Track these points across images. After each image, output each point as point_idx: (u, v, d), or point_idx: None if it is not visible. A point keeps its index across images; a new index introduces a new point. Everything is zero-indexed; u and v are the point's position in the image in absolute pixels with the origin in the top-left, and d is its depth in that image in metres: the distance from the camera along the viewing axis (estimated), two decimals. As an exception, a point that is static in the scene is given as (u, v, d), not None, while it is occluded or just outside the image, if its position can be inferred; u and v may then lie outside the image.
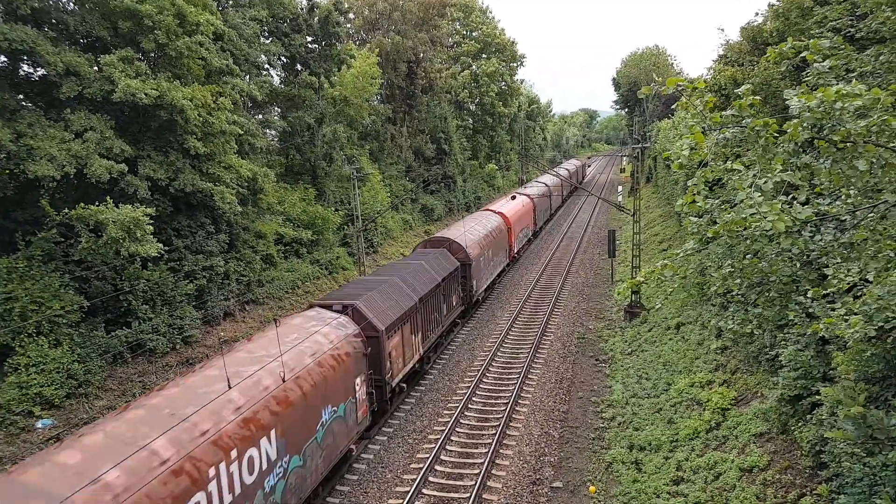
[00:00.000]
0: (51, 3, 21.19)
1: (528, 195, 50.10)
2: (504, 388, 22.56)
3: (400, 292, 21.18)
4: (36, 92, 21.88)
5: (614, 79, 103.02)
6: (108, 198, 19.64)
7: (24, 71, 21.59)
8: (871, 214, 8.08)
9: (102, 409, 19.33)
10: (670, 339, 23.39)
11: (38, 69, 21.18)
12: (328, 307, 18.09)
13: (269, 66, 36.43)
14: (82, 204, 19.22)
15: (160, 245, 20.71)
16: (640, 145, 37.94)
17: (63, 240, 20.41)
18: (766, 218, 6.79)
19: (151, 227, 20.04)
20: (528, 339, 27.87)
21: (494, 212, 40.25)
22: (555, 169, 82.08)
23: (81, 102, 20.85)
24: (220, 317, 27.06)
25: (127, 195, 21.31)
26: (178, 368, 22.70)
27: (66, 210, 19.24)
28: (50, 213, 19.57)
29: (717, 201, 8.43)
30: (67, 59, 19.83)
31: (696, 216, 8.95)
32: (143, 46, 21.94)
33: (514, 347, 26.90)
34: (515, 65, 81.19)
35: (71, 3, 22.37)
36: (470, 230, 32.38)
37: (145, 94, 20.54)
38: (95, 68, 21.02)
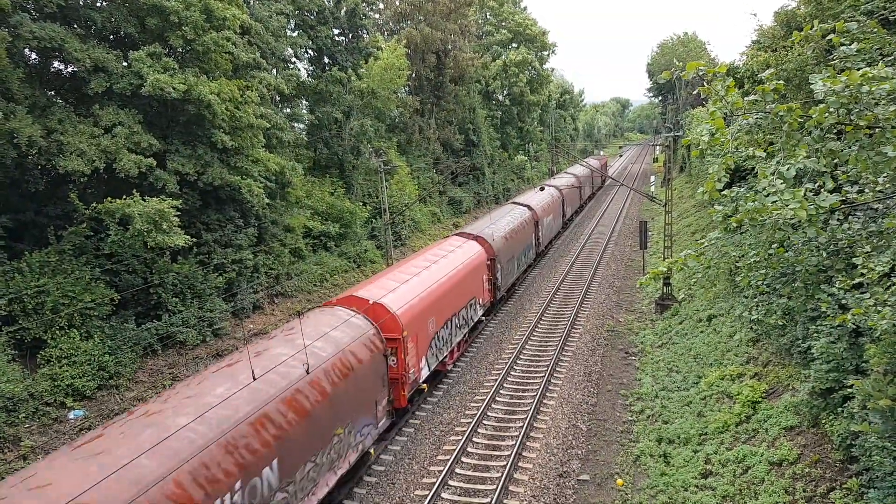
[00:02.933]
0: (79, 0, 21.64)
1: (480, 240, 28.54)
2: (532, 380, 22.48)
3: None
4: (66, 88, 22.46)
5: (648, 66, 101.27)
6: (134, 191, 20.04)
7: (54, 68, 22.13)
8: (903, 202, 7.77)
9: (133, 401, 19.83)
10: (702, 332, 22.96)
11: (67, 66, 21.71)
12: None
13: (295, 59, 36.76)
14: (109, 198, 19.66)
15: (187, 237, 21.05)
16: (671, 134, 37.15)
17: (93, 234, 20.92)
18: (787, 206, 6.56)
19: (177, 219, 20.38)
20: (558, 331, 27.70)
21: (360, 308, 17.55)
22: (555, 178, 58.50)
23: (110, 98, 21.30)
24: (249, 309, 27.51)
25: (156, 189, 21.75)
26: (207, 360, 23.18)
27: (95, 204, 19.70)
28: (79, 208, 20.08)
29: (742, 189, 8.20)
30: (96, 56, 20.23)
31: (720, 204, 8.74)
32: (170, 42, 22.29)
33: (543, 338, 26.78)
34: (546, 53, 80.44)
35: (99, 1, 22.82)
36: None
37: (173, 89, 20.86)
38: (124, 64, 21.44)
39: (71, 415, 18.23)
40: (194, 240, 23.39)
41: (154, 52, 21.52)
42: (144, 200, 19.89)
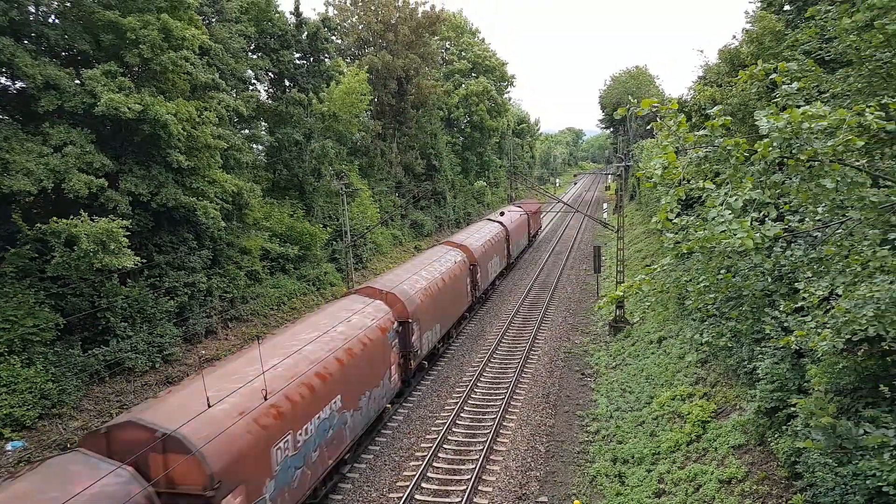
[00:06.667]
0: (30, 15, 21.08)
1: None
2: (492, 402, 22.61)
3: None
4: (13, 105, 21.70)
5: (600, 98, 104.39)
6: (81, 211, 19.41)
7: (0, 83, 21.41)
8: (839, 231, 8.33)
9: (77, 431, 18.93)
10: (653, 353, 23.59)
11: (16, 82, 21.03)
12: None
13: (256, 81, 36.58)
14: (55, 218, 18.99)
15: (137, 258, 20.44)
16: (623, 164, 38.40)
17: (38, 256, 20.11)
18: (735, 235, 6.98)
19: (126, 240, 19.80)
20: (517, 353, 28.00)
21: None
22: (441, 247, 33.70)
23: (61, 116, 20.70)
24: (201, 334, 26.79)
25: (107, 210, 21.14)
26: (157, 388, 22.43)
27: (40, 225, 18.98)
28: (23, 228, 19.31)
29: (691, 218, 8.65)
30: (47, 73, 19.68)
31: (671, 233, 9.17)
32: (126, 60, 21.90)
33: (503, 360, 27.01)
34: (505, 84, 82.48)
35: (52, 17, 22.30)
36: None
37: (128, 109, 20.43)
38: (77, 82, 20.93)
39: (9, 446, 17.30)
40: (145, 262, 22.78)
41: (109, 71, 21.11)
42: (93, 221, 19.29)
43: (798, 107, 7.15)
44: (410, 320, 22.32)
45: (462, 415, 21.67)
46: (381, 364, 19.64)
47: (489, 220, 45.74)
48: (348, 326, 18.26)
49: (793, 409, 11.84)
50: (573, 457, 18.69)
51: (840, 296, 8.14)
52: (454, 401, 22.94)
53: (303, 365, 15.06)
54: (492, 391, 23.73)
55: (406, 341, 22.33)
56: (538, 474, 17.82)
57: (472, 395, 23.31)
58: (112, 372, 21.68)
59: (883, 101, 7.08)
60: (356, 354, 17.55)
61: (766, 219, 7.76)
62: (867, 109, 6.79)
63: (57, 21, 22.08)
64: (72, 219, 19.05)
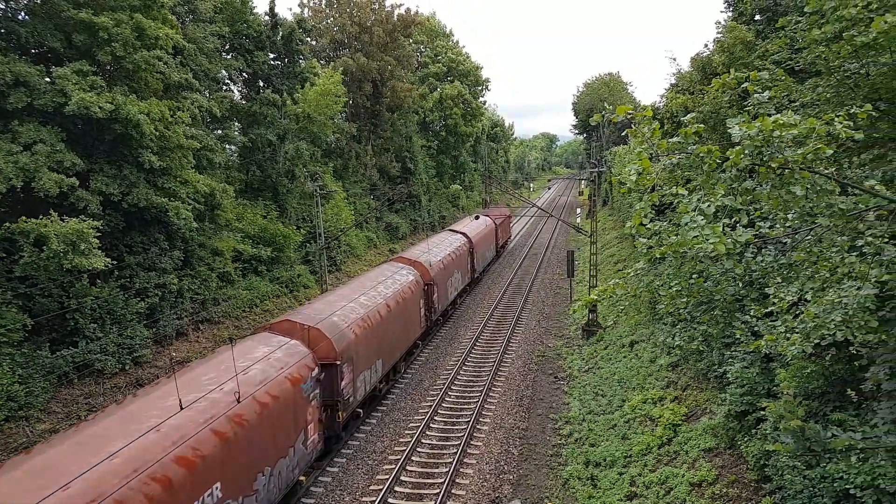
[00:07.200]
0: None
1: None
2: (466, 405, 22.61)
3: None
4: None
5: (573, 104, 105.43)
6: (51, 210, 19.03)
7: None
8: (808, 237, 8.52)
9: (44, 433, 18.52)
10: (625, 357, 23.87)
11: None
12: None
13: (229, 81, 36.16)
14: (24, 217, 18.59)
15: (108, 259, 20.10)
16: (596, 169, 38.87)
17: (5, 255, 19.67)
18: (707, 240, 7.10)
19: (97, 241, 19.46)
20: (491, 356, 28.08)
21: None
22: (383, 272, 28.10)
23: (31, 114, 20.28)
24: (172, 336, 26.34)
25: (77, 210, 20.74)
26: (126, 390, 21.99)
27: (8, 224, 18.55)
28: None
29: (664, 224, 8.76)
30: (17, 69, 19.30)
31: (644, 238, 9.29)
32: (98, 59, 21.51)
33: (477, 363, 27.06)
34: (480, 88, 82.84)
35: (22, 13, 21.81)
36: None
37: (100, 108, 20.09)
38: (47, 80, 20.49)
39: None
40: (115, 262, 22.36)
41: (80, 70, 20.69)
42: (63, 221, 18.89)
43: (769, 115, 7.29)
44: (339, 362, 18.17)
45: (436, 418, 21.62)
46: (290, 426, 15.16)
47: (451, 230, 42.37)
48: (242, 382, 13.76)
49: (762, 412, 12.08)
50: (546, 460, 18.80)
51: (809, 301, 8.32)
52: (428, 404, 22.86)
53: (158, 449, 10.80)
54: (466, 394, 23.73)
55: (332, 389, 18.07)
56: (511, 477, 17.90)
57: (447, 398, 23.26)
58: (81, 374, 21.22)
59: (851, 111, 7.26)
60: (249, 421, 13.20)
61: (738, 225, 7.89)
62: (836, 119, 6.96)
63: (27, 18, 21.59)
64: (41, 218, 18.67)
